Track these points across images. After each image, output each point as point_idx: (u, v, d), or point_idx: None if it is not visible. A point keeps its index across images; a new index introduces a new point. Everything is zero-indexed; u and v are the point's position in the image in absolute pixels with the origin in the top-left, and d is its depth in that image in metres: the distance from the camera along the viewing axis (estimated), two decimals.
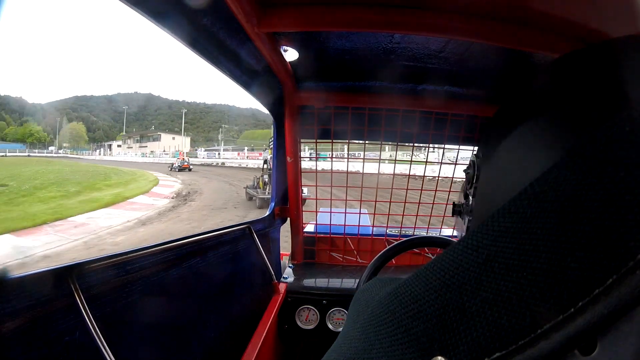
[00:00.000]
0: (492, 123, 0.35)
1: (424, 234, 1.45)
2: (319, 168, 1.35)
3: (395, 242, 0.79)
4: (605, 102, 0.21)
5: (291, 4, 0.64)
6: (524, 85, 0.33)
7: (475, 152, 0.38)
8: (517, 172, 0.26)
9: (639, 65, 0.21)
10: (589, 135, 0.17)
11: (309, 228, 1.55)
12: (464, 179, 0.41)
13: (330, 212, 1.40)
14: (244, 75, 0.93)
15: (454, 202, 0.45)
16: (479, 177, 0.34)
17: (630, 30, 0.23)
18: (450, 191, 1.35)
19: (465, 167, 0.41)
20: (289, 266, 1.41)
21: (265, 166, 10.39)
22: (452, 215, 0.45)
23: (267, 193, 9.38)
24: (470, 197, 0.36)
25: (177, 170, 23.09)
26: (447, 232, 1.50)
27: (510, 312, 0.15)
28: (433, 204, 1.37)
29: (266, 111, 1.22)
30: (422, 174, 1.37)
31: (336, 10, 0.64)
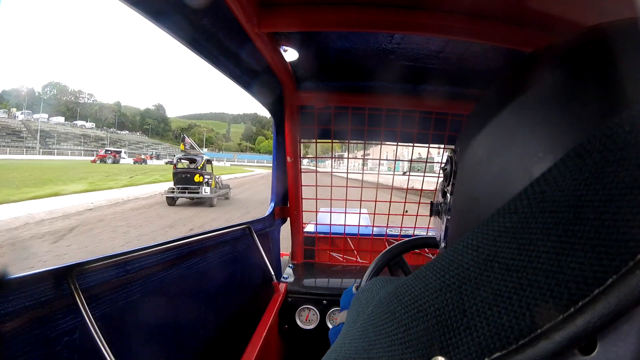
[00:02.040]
0: (470, 114, 0.34)
1: (424, 234, 1.45)
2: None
3: (402, 240, 0.79)
4: (595, 96, 0.21)
5: (291, 4, 0.64)
6: (502, 75, 0.32)
7: (453, 149, 0.37)
8: (496, 165, 0.26)
9: (634, 58, 0.20)
10: (588, 135, 0.17)
11: (309, 228, 1.55)
12: (442, 177, 0.40)
13: (330, 212, 1.40)
14: (244, 75, 0.93)
15: (431, 202, 0.44)
16: (456, 173, 0.33)
17: None
18: (435, 190, 1.35)
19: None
20: (289, 266, 1.41)
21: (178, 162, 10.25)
22: (430, 216, 0.44)
23: (216, 191, 9.57)
24: (448, 195, 0.35)
25: None
26: None
27: (510, 312, 0.15)
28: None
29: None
30: (422, 174, 1.38)
31: (336, 10, 0.64)
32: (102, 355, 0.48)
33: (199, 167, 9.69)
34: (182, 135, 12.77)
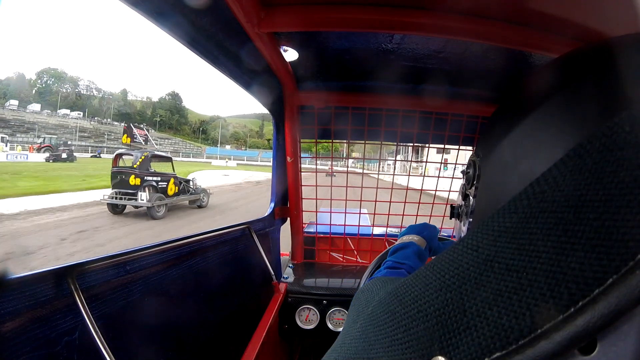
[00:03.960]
0: (493, 121, 0.35)
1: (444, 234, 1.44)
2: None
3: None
4: (605, 101, 0.21)
5: (291, 4, 0.64)
6: (525, 81, 0.33)
7: (474, 152, 0.38)
8: (523, 169, 0.26)
9: (635, 63, 0.21)
10: (588, 135, 0.17)
11: (309, 228, 1.55)
12: (463, 180, 0.40)
13: (330, 212, 1.40)
14: (244, 75, 0.93)
15: (452, 205, 0.44)
16: (480, 177, 0.34)
17: (630, 30, 0.24)
18: (450, 191, 1.35)
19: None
20: (289, 266, 1.41)
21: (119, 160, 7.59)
22: (451, 218, 0.44)
23: (161, 198, 7.29)
24: (471, 198, 0.36)
25: None
26: (446, 232, 1.50)
27: (510, 312, 0.15)
28: (433, 203, 1.37)
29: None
30: (422, 174, 1.38)
31: (336, 10, 0.64)
32: (102, 355, 0.48)
33: (134, 166, 7.38)
34: (125, 124, 9.06)
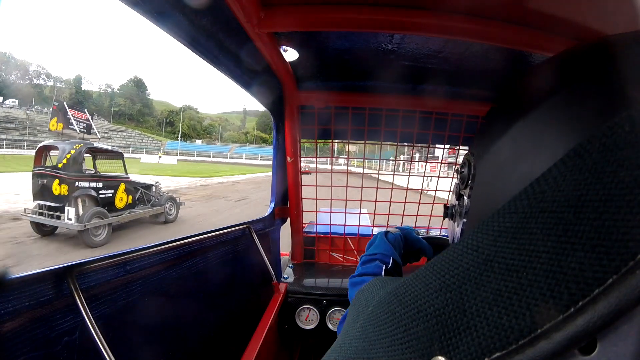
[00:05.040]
0: (489, 119, 0.35)
1: (423, 234, 1.44)
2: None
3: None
4: (604, 100, 0.21)
5: (291, 4, 0.64)
6: (522, 80, 0.33)
7: (469, 151, 0.37)
8: (521, 168, 0.26)
9: (634, 62, 0.21)
10: (588, 135, 0.17)
11: (309, 228, 1.55)
12: (457, 179, 0.39)
13: (330, 212, 1.40)
14: (244, 75, 0.93)
15: (445, 205, 0.43)
16: (475, 177, 0.33)
17: (629, 30, 0.23)
18: (450, 191, 1.35)
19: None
20: (289, 266, 1.41)
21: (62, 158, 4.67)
22: (444, 219, 0.43)
23: (95, 215, 4.56)
24: (465, 198, 0.35)
25: None
26: (446, 232, 1.49)
27: (510, 312, 0.15)
28: (433, 203, 1.37)
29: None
30: (423, 174, 1.38)
31: (336, 10, 0.64)
32: (102, 355, 0.48)
33: (59, 166, 4.65)
34: (55, 103, 5.65)
